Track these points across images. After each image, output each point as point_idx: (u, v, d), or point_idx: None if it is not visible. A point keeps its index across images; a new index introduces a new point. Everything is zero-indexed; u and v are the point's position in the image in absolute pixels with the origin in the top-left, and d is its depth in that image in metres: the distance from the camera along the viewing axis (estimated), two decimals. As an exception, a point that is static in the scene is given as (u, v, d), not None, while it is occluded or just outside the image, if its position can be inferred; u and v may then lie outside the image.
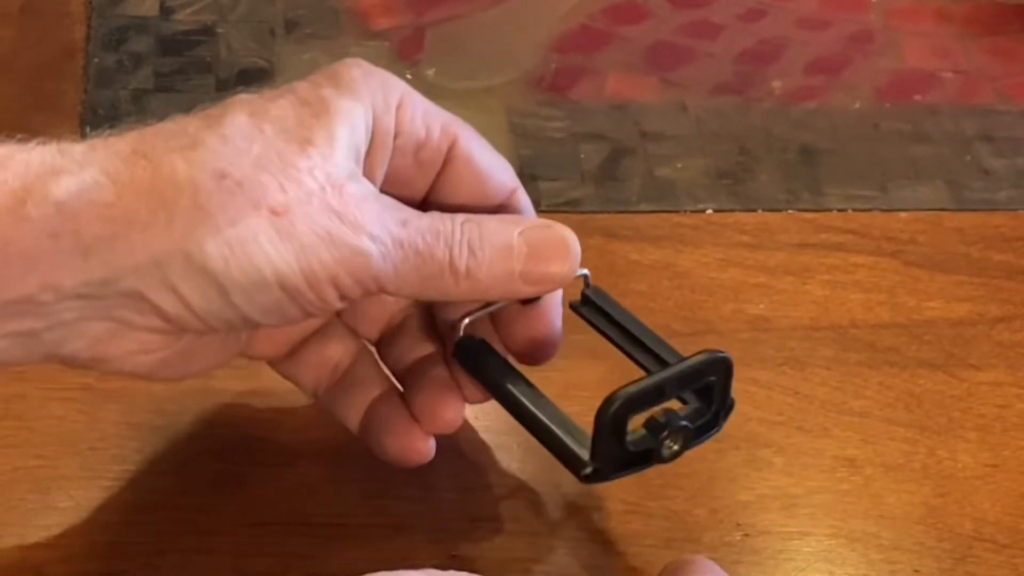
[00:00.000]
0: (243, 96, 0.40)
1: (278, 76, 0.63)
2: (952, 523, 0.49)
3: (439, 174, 0.43)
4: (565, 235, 0.43)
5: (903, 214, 0.60)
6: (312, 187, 0.37)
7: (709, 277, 0.57)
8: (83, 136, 0.59)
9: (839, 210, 0.60)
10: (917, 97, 0.66)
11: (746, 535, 0.48)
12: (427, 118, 0.42)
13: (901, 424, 0.52)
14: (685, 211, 0.59)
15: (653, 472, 0.43)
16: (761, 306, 0.56)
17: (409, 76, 0.64)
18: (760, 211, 0.60)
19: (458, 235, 0.40)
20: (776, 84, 0.66)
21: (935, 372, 0.54)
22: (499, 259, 0.41)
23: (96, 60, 0.63)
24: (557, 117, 0.63)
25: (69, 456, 0.48)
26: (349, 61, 0.41)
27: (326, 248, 0.37)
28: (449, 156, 0.42)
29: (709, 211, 0.59)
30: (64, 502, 0.47)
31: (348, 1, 0.68)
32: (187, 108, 0.64)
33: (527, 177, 0.60)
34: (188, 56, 0.64)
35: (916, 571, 0.47)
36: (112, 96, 0.62)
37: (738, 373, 0.53)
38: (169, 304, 0.38)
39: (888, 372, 0.54)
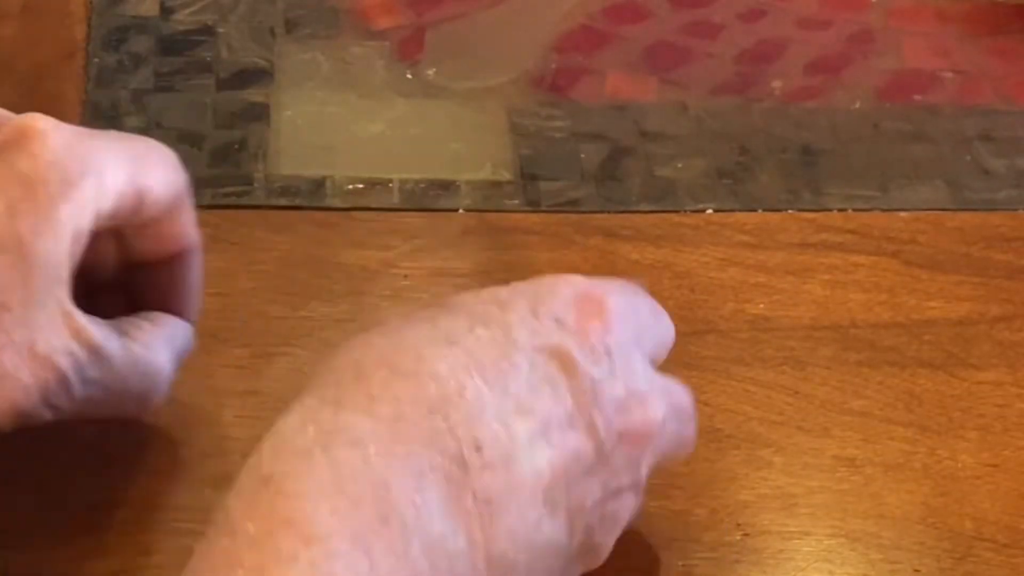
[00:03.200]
0: None
1: (278, 76, 0.63)
2: (952, 523, 0.49)
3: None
4: None
5: (903, 214, 0.60)
6: (7, 367, 0.40)
7: (709, 277, 0.57)
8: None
9: (839, 210, 0.60)
10: (917, 97, 0.66)
11: (746, 535, 0.48)
12: (121, 200, 0.43)
13: (901, 424, 0.52)
14: (685, 211, 0.59)
15: (653, 472, 0.43)
16: (761, 306, 0.56)
17: (409, 76, 0.64)
18: (760, 211, 0.60)
19: None
20: (776, 84, 0.66)
21: (935, 372, 0.54)
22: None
23: (96, 60, 0.63)
24: (557, 117, 0.63)
25: (70, 456, 0.48)
26: (37, 149, 0.41)
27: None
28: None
29: (709, 211, 0.59)
30: (64, 502, 0.47)
31: (348, 1, 0.68)
32: (187, 108, 0.64)
33: (527, 177, 0.60)
34: (188, 56, 0.64)
35: (916, 571, 0.47)
36: (112, 96, 0.62)
37: (738, 373, 0.53)
38: None
39: (888, 372, 0.54)
